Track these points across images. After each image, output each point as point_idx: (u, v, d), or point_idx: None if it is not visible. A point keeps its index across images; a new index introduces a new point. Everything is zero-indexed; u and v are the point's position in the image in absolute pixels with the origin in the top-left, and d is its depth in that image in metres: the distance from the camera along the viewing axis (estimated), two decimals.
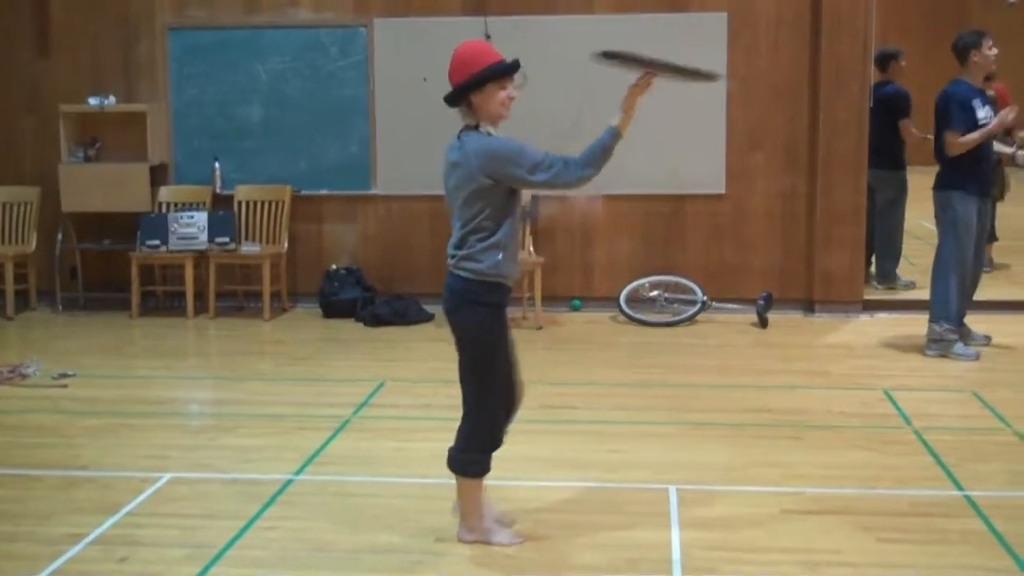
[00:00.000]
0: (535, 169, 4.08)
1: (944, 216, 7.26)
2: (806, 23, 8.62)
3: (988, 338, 7.59)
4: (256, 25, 9.02)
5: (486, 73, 4.08)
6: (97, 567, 4.22)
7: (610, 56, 4.19)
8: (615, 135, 4.14)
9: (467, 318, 4.21)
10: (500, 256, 4.15)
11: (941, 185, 7.28)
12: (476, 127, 4.16)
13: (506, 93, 4.14)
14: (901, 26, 17.81)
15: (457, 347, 4.27)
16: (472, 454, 4.28)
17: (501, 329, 4.25)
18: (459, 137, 4.18)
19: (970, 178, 7.17)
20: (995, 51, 7.24)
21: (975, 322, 7.66)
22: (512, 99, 4.17)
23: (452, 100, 4.17)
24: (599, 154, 4.12)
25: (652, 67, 4.17)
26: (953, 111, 7.12)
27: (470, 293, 4.18)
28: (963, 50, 7.22)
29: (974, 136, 7.07)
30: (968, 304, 7.52)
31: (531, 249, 8.61)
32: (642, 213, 8.88)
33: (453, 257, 4.21)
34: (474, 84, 4.09)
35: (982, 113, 7.14)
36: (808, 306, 8.77)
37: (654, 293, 8.74)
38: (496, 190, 4.11)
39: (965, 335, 7.46)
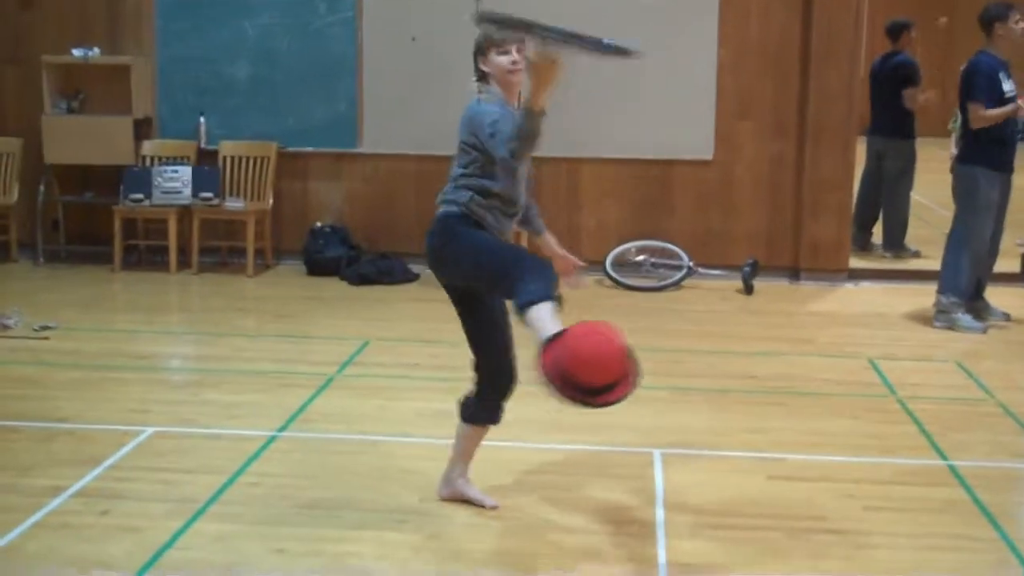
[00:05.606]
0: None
1: (966, 190, 7.17)
2: None
3: (1007, 315, 7.46)
4: None
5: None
6: (78, 519, 4.19)
7: (486, 19, 3.79)
8: (528, 115, 3.59)
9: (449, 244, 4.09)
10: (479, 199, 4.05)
11: (964, 159, 7.19)
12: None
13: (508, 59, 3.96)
14: None
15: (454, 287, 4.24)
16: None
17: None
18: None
19: (994, 153, 7.06)
20: (1022, 25, 7.08)
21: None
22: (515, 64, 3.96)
23: None
24: (516, 132, 3.69)
25: (534, 33, 3.53)
26: (978, 82, 6.98)
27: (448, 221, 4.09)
28: (988, 22, 7.10)
29: (1001, 111, 6.95)
30: (987, 278, 7.44)
31: None
32: (630, 177, 8.82)
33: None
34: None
35: (1007, 86, 7.02)
36: (793, 274, 8.76)
37: (640, 258, 8.71)
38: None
39: (983, 309, 7.40)
